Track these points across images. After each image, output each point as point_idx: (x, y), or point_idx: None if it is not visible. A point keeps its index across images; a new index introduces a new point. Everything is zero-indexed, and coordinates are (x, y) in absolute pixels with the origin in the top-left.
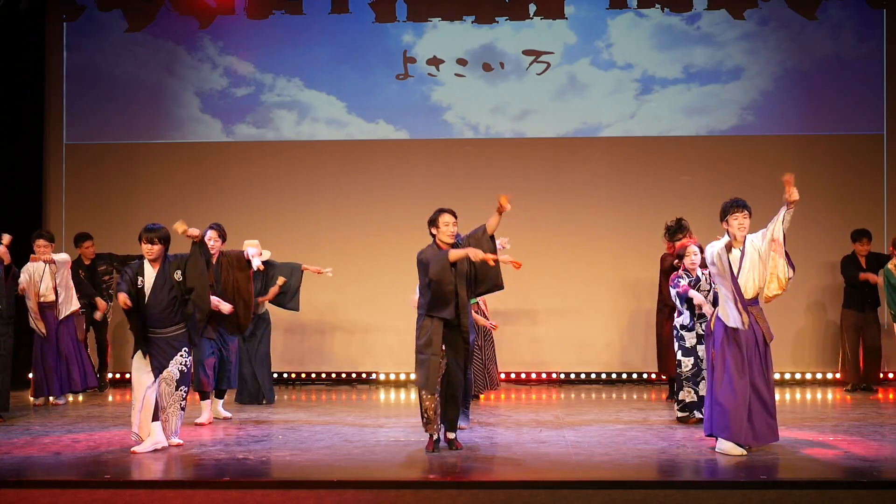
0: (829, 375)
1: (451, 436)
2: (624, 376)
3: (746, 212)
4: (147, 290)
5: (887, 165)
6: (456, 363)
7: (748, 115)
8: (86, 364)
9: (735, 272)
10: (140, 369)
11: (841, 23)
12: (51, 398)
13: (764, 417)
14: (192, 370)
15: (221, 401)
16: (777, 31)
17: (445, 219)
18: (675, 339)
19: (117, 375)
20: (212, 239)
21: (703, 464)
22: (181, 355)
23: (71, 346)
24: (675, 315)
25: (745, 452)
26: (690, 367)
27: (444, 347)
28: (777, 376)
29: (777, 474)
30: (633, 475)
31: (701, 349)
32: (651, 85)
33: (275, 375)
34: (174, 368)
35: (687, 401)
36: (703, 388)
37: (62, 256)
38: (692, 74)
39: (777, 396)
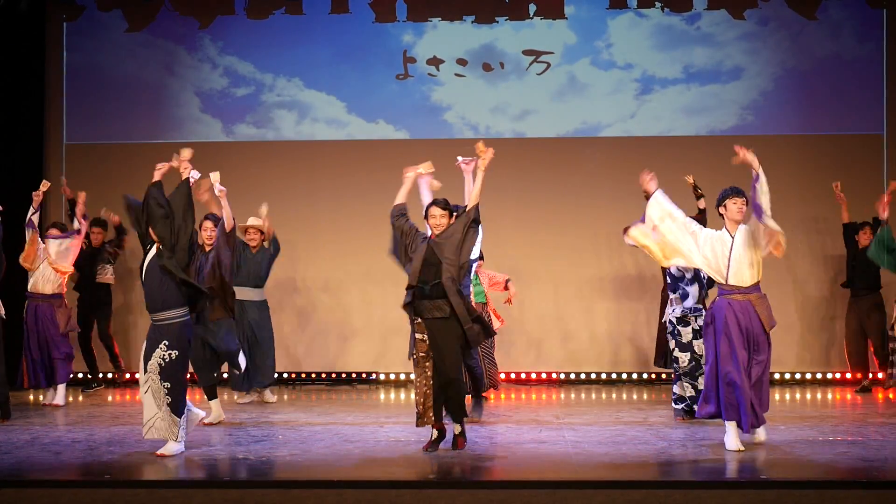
0: (830, 375)
1: (457, 429)
2: (624, 376)
3: (746, 199)
4: (144, 270)
5: (887, 165)
6: (443, 354)
7: (748, 115)
8: (58, 358)
9: (727, 264)
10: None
11: (841, 23)
12: (53, 401)
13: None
14: (177, 363)
15: (215, 400)
16: (777, 31)
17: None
18: (670, 336)
19: (126, 375)
20: (208, 230)
21: (703, 464)
22: (161, 348)
23: (52, 334)
24: (669, 308)
25: (742, 448)
26: (687, 362)
27: (426, 339)
28: (777, 376)
29: (777, 474)
30: (633, 475)
31: (697, 344)
32: (651, 85)
33: (275, 375)
34: (154, 361)
35: (685, 395)
36: (701, 383)
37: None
38: (692, 74)
39: (777, 396)
